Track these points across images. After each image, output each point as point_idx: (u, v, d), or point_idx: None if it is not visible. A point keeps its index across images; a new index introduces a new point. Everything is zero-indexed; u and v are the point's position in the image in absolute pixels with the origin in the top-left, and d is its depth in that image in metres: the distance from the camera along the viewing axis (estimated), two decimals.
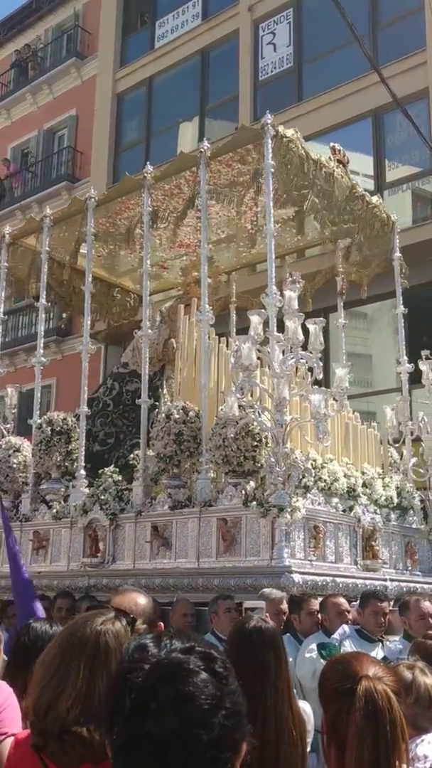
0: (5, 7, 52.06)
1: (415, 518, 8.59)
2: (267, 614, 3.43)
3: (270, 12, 17.26)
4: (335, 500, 7.45)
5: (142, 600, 2.83)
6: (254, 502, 6.78)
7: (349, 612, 5.82)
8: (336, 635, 5.63)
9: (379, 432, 9.16)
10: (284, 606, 6.06)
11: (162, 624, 3.08)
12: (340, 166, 8.41)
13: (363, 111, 15.23)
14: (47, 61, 23.31)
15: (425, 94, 14.50)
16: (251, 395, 7.00)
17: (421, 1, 13.88)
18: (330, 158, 8.31)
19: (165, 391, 9.30)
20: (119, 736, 1.21)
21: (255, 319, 6.87)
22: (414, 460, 8.94)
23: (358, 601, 6.06)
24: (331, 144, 8.60)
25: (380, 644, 5.67)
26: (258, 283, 11.00)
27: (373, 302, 12.34)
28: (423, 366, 9.09)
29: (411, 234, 12.48)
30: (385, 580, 7.61)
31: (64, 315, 14.09)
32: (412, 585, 7.89)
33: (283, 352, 6.87)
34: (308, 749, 2.87)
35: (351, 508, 7.60)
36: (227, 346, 8.49)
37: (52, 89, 22.55)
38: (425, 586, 8.06)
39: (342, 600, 5.91)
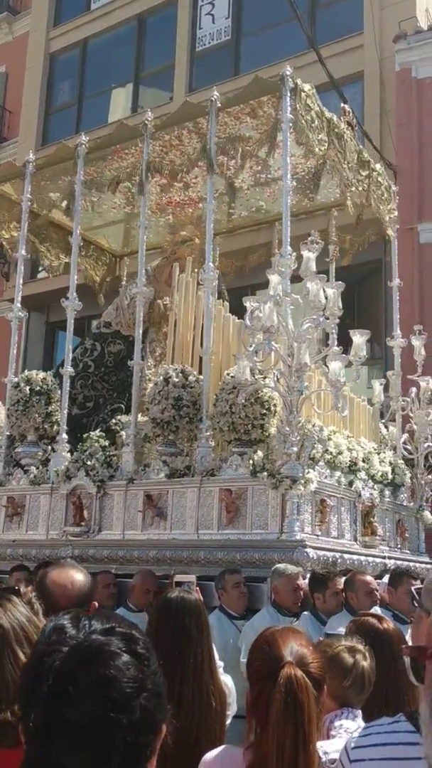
0: None
1: (405, 495, 8.40)
2: (197, 589, 3.52)
3: None
4: (338, 474, 7.17)
5: (79, 577, 2.83)
6: (265, 473, 6.42)
7: (377, 591, 5.54)
8: None
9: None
10: (301, 582, 5.77)
11: (95, 603, 3.03)
12: (349, 128, 8.06)
13: None
14: None
15: (360, 77, 14.42)
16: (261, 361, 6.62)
17: None
18: (341, 119, 7.95)
19: (148, 354, 8.80)
20: (35, 722, 1.14)
21: (275, 279, 6.49)
22: (405, 436, 8.74)
23: (383, 580, 5.79)
24: (342, 105, 8.24)
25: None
26: (234, 246, 10.58)
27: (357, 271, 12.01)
28: (415, 341, 8.91)
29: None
30: (384, 557, 7.40)
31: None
32: (404, 563, 7.70)
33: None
34: (228, 721, 3.09)
35: (351, 483, 7.34)
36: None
37: None
38: (419, 564, 7.90)
39: (370, 578, 5.62)
